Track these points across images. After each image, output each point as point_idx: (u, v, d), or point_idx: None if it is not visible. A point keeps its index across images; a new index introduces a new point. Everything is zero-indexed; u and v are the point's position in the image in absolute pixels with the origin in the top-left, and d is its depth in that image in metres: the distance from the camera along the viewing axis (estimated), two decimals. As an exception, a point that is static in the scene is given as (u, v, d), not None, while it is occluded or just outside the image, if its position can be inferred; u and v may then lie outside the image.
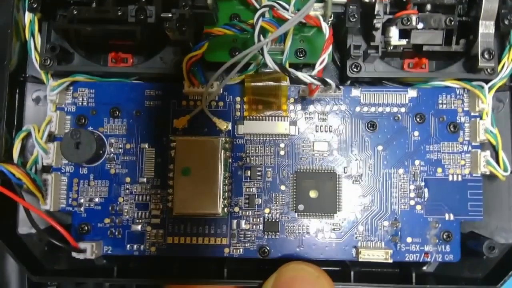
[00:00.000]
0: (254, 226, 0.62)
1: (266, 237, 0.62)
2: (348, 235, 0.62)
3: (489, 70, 0.61)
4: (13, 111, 0.64)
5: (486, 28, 0.59)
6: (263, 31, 0.59)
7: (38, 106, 0.66)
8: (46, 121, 0.62)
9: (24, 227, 0.64)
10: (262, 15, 0.59)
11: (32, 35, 0.62)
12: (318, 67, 0.57)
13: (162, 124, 0.63)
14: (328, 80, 0.57)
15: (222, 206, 0.60)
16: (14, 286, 0.69)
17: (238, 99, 0.64)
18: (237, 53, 0.63)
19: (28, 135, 0.63)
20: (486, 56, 0.59)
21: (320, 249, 0.61)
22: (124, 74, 0.64)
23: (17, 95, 0.65)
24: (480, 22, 0.59)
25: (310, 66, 0.65)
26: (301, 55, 0.63)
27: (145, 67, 0.63)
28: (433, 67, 0.64)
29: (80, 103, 0.64)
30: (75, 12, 0.59)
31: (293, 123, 0.63)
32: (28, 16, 0.62)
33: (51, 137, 0.63)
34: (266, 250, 0.61)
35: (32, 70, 0.65)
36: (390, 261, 0.59)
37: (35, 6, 0.60)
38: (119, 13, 0.59)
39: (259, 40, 0.58)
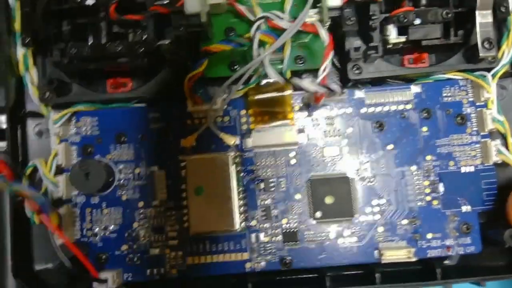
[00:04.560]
0: (273, 238, 0.62)
1: (286, 247, 0.61)
2: (369, 237, 0.61)
3: (490, 59, 0.61)
4: (16, 148, 0.63)
5: (483, 18, 0.59)
6: (262, 42, 0.59)
7: (41, 139, 0.65)
8: (52, 155, 0.61)
9: (41, 263, 0.64)
10: (258, 27, 0.58)
11: (27, 69, 0.61)
12: (321, 75, 0.57)
13: (169, 145, 0.63)
14: (333, 86, 0.56)
15: (239, 221, 0.60)
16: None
17: (243, 112, 0.63)
18: (236, 66, 0.63)
19: (34, 169, 0.62)
20: (486, 45, 0.59)
21: (342, 254, 0.61)
22: (125, 98, 0.63)
23: (18, 132, 0.64)
24: (477, 12, 0.59)
25: (310, 72, 0.65)
26: (300, 62, 0.63)
27: (145, 89, 0.62)
28: (433, 60, 0.64)
29: (84, 133, 0.63)
30: (72, 51, 0.58)
31: (300, 131, 0.63)
32: (21, 51, 0.60)
33: (59, 170, 0.62)
34: (288, 261, 0.61)
35: (31, 104, 0.64)
36: (414, 259, 0.59)
37: (27, 41, 0.59)
38: (118, 49, 0.58)
39: (258, 54, 0.57)
